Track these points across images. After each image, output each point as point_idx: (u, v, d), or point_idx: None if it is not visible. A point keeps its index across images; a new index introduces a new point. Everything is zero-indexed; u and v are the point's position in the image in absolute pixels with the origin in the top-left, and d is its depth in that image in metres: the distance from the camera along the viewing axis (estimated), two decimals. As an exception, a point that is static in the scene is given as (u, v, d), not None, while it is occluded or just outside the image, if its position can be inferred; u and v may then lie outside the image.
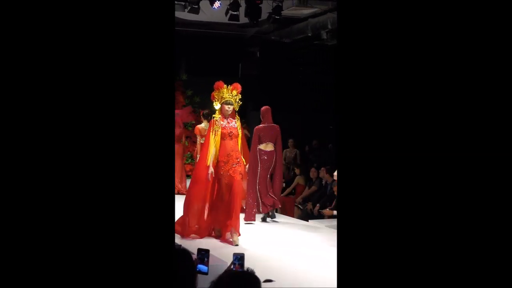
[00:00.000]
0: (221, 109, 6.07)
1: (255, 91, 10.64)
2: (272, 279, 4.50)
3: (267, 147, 7.22)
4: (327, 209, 7.67)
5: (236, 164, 6.01)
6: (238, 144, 6.13)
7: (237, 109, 6.18)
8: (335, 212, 7.36)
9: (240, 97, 6.13)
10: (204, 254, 2.95)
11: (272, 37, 11.34)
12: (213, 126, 6.07)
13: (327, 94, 9.92)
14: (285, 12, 8.76)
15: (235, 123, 6.15)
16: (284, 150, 9.52)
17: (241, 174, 6.11)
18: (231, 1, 8.17)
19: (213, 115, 6.16)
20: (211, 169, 5.97)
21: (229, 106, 6.03)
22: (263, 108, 7.44)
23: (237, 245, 5.75)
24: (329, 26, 9.71)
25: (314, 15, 9.77)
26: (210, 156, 5.99)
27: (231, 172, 5.97)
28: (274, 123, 7.31)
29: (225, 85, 6.05)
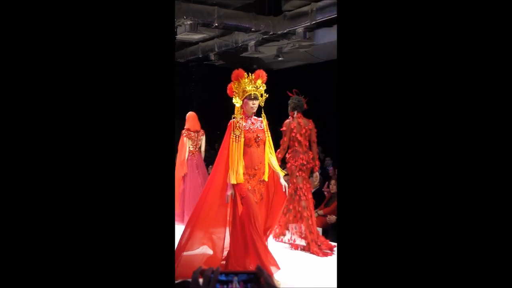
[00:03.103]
0: (243, 106, 4.40)
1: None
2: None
3: None
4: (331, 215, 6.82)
5: (261, 180, 4.39)
6: (265, 152, 4.42)
7: (262, 104, 4.45)
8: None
9: (265, 87, 4.44)
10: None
11: (169, 57, 12.51)
12: (233, 130, 4.35)
13: (215, 106, 11.24)
14: (179, 36, 9.22)
15: (262, 124, 4.46)
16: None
17: (261, 195, 4.42)
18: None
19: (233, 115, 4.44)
20: (232, 190, 4.27)
21: (254, 101, 4.35)
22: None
23: None
24: (216, 49, 10.93)
25: (203, 40, 10.73)
26: (235, 171, 4.27)
27: (257, 189, 4.36)
28: None
29: (245, 74, 4.37)
